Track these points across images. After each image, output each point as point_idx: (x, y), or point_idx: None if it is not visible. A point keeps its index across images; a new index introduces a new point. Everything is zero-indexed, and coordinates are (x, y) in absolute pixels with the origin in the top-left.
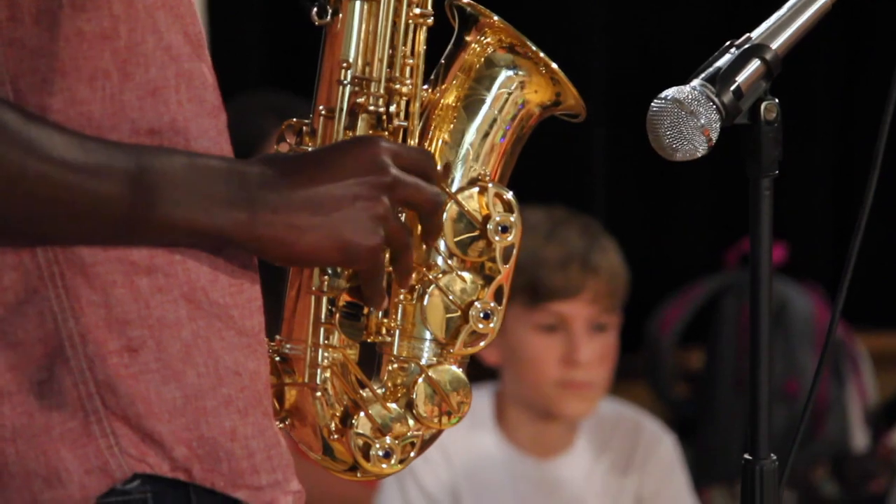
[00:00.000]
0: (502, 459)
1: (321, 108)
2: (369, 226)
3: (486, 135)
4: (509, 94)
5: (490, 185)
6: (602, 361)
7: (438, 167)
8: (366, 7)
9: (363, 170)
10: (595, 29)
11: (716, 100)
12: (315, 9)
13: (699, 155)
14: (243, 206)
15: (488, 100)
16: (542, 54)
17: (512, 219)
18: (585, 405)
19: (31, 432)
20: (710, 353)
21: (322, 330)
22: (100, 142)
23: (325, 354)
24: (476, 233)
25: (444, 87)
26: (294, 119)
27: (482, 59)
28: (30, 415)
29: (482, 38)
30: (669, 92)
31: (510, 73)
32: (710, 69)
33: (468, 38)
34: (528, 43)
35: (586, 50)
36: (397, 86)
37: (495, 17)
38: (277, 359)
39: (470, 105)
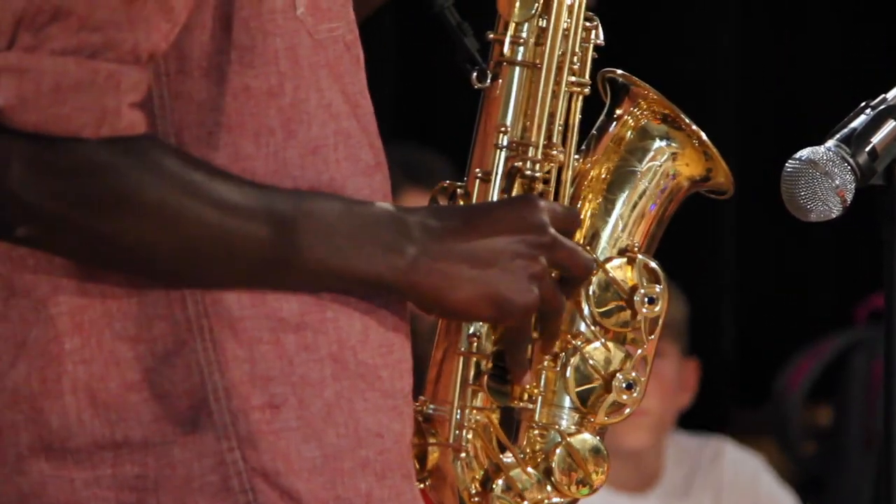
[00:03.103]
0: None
1: (477, 170)
2: (526, 284)
3: (636, 205)
4: (660, 165)
5: (639, 255)
6: (656, 390)
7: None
8: (525, 73)
9: (523, 227)
10: (728, 83)
11: (851, 160)
12: (475, 73)
13: (833, 216)
14: (402, 253)
15: (639, 171)
16: (695, 127)
17: (658, 290)
18: (642, 435)
19: (173, 484)
20: (838, 410)
21: (469, 392)
22: (260, 187)
23: (470, 416)
24: (622, 303)
25: (594, 157)
26: (447, 181)
27: (635, 130)
28: (172, 467)
29: (635, 110)
30: (804, 152)
31: (662, 144)
32: (845, 130)
33: (620, 110)
34: (682, 115)
35: (717, 104)
36: (553, 152)
37: (650, 88)
38: (421, 419)
39: (621, 176)
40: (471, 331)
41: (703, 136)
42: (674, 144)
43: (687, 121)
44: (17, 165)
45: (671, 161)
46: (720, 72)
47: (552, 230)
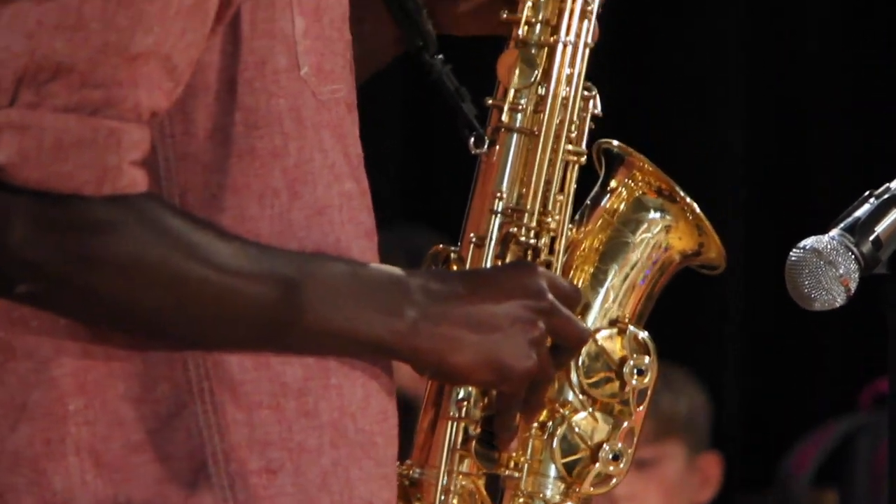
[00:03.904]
0: None
1: (471, 235)
2: (525, 349)
3: (627, 276)
4: (653, 237)
5: (629, 327)
6: (658, 495)
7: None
8: (523, 140)
9: (522, 293)
10: (733, 167)
11: (855, 250)
12: (473, 138)
13: (837, 305)
14: (403, 316)
15: (632, 242)
16: (689, 200)
17: (647, 362)
18: None
19: None
20: (842, 494)
21: (456, 457)
22: (263, 248)
23: (457, 481)
24: (611, 374)
25: (588, 228)
26: (440, 245)
27: (629, 202)
28: None
29: (629, 181)
30: (808, 241)
31: (656, 216)
32: (849, 219)
33: (615, 181)
34: (677, 188)
35: (724, 193)
36: (548, 220)
37: (646, 160)
38: (407, 483)
39: (613, 247)
40: (460, 396)
41: (697, 209)
42: (667, 217)
43: (681, 193)
44: (18, 223)
45: (664, 233)
46: (728, 171)
47: (551, 296)
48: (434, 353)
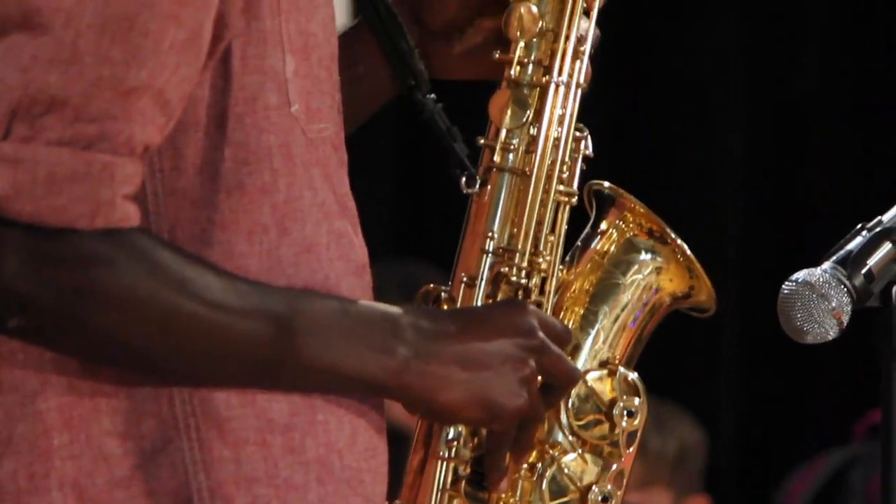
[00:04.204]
0: None
1: (462, 275)
2: (516, 388)
3: (617, 318)
4: (644, 279)
5: (619, 368)
6: None
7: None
8: (514, 180)
9: (513, 331)
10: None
11: (847, 283)
12: (464, 178)
13: (830, 338)
14: (394, 354)
15: (622, 284)
16: (680, 242)
17: (637, 403)
18: None
19: None
20: None
21: (446, 497)
22: (253, 284)
23: None
24: (601, 415)
25: (578, 269)
26: (431, 285)
27: (620, 243)
28: None
29: (620, 222)
30: (800, 274)
31: (647, 257)
32: (842, 252)
33: (606, 222)
34: (669, 230)
35: (720, 232)
36: (539, 260)
37: (637, 202)
38: None
39: (604, 288)
40: (450, 436)
41: (688, 251)
42: (658, 259)
43: (672, 235)
44: (10, 256)
45: (655, 275)
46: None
47: (541, 335)
48: (424, 391)
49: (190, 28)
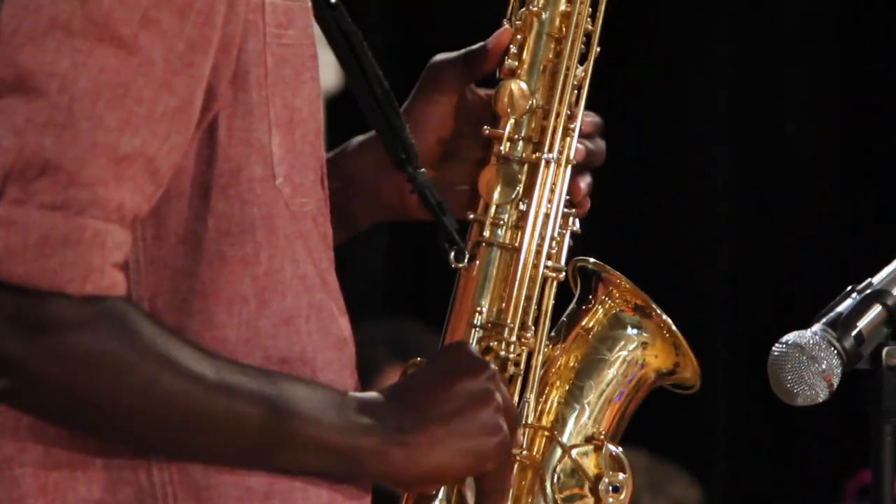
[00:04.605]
0: None
1: None
2: (493, 421)
3: (603, 393)
4: (629, 354)
5: (605, 444)
6: None
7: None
8: (503, 256)
9: (464, 370)
10: (718, 272)
11: (837, 345)
12: (453, 253)
13: (820, 400)
14: (371, 432)
15: (608, 359)
16: (665, 317)
17: (622, 478)
18: None
19: None
20: None
21: None
22: (231, 362)
23: None
24: (586, 490)
25: (564, 344)
26: (419, 358)
27: (606, 318)
28: None
29: (606, 298)
30: (791, 336)
31: (633, 332)
32: (832, 314)
33: (592, 298)
34: (654, 305)
35: (708, 301)
36: (527, 335)
37: (622, 277)
38: None
39: (590, 363)
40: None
41: (673, 326)
42: (644, 334)
43: (658, 311)
44: None
45: (640, 350)
46: (713, 271)
47: (489, 363)
48: (409, 460)
49: (182, 97)
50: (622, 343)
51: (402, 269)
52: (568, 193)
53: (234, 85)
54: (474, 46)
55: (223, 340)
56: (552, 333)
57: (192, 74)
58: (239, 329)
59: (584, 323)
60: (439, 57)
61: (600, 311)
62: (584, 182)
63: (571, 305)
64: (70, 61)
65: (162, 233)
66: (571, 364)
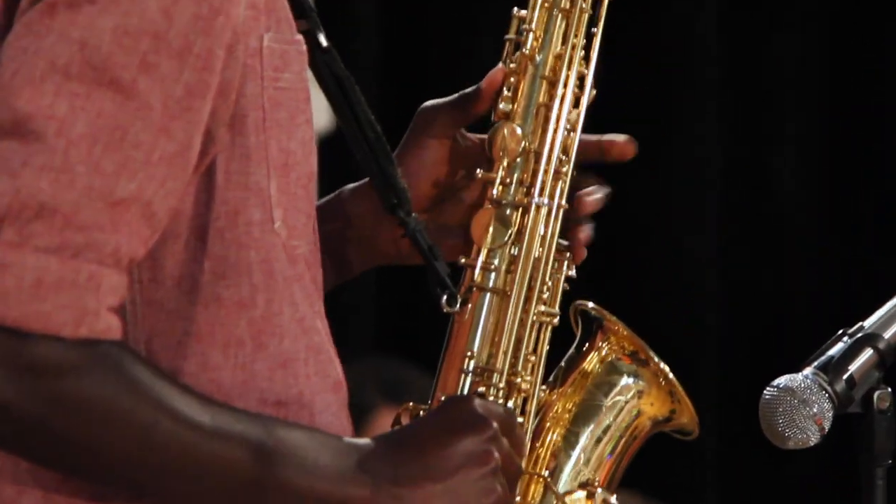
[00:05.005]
0: None
1: (441, 395)
2: (488, 482)
3: (599, 440)
4: (626, 402)
5: (598, 490)
6: None
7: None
8: (495, 300)
9: (466, 427)
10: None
11: (828, 388)
12: (445, 297)
13: (812, 443)
14: (365, 482)
15: (604, 406)
16: (663, 365)
17: None
18: None
19: None
20: None
21: None
22: (226, 407)
23: None
24: None
25: (561, 389)
26: (412, 403)
27: (603, 365)
28: None
29: (604, 344)
30: (782, 380)
31: (629, 380)
32: (823, 357)
33: (590, 343)
34: (651, 353)
35: (700, 342)
36: (518, 380)
37: (620, 324)
38: None
39: (586, 410)
40: None
41: (670, 374)
42: (640, 382)
43: (655, 359)
44: None
45: (636, 399)
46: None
47: (494, 423)
48: None
49: (180, 141)
50: (618, 390)
51: (392, 309)
52: (566, 239)
53: (232, 129)
54: (468, 90)
55: (218, 383)
56: (550, 378)
57: (191, 119)
58: (234, 372)
59: (581, 368)
60: (430, 102)
61: (597, 357)
62: (584, 232)
63: (570, 350)
64: (68, 105)
65: (158, 275)
66: (568, 409)
